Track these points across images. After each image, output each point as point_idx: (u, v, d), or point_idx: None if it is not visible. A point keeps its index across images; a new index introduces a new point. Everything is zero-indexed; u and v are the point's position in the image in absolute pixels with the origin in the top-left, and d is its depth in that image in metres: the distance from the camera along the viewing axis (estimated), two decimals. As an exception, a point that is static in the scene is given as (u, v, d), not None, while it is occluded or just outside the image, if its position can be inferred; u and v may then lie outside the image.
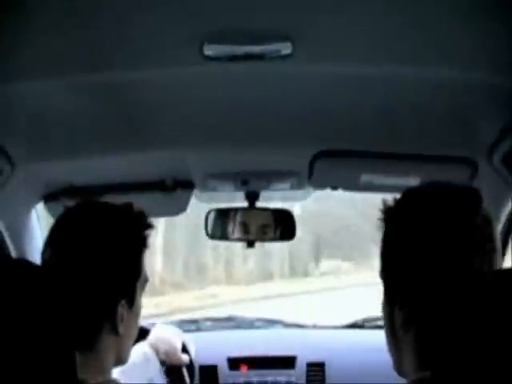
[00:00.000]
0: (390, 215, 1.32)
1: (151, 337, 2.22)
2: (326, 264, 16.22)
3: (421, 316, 1.25)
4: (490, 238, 1.26)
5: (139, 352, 2.07)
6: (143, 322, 1.99)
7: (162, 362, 2.28)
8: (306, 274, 16.04)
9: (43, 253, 1.47)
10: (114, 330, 1.44)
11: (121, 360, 1.52)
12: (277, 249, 14.29)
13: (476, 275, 1.20)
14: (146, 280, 1.53)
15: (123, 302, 1.45)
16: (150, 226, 1.52)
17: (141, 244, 1.50)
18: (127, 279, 1.47)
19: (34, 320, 1.06)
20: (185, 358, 2.34)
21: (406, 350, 1.29)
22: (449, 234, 1.24)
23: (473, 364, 0.95)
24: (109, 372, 1.48)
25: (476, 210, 1.27)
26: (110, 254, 1.43)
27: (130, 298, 1.47)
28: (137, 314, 1.53)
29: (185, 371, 2.47)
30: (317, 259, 16.12)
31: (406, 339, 1.28)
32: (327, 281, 15.06)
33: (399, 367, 1.33)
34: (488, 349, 0.94)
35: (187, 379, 2.46)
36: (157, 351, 2.22)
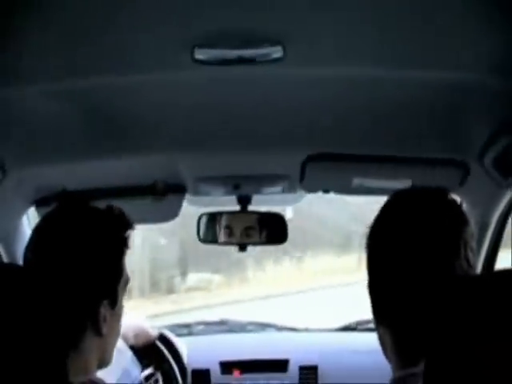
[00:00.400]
0: (372, 226, 1.37)
1: None
2: (193, 277, 14.14)
3: (396, 315, 1.29)
4: (460, 235, 1.29)
5: None
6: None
7: (134, 348, 2.34)
8: (170, 289, 13.86)
9: (24, 255, 1.47)
10: (97, 331, 1.44)
11: (104, 361, 1.52)
12: (135, 260, 12.28)
13: (444, 274, 1.25)
14: (127, 281, 1.53)
15: (105, 302, 1.45)
16: (130, 227, 1.52)
17: (122, 245, 1.50)
18: (109, 280, 1.47)
19: (22, 322, 1.05)
20: (153, 331, 2.42)
21: (388, 348, 1.33)
22: (421, 236, 1.28)
23: (453, 361, 0.96)
24: (93, 373, 1.47)
25: (447, 211, 1.32)
26: (92, 255, 1.43)
27: (112, 298, 1.47)
28: (119, 315, 1.52)
29: (159, 344, 2.54)
30: (183, 272, 14.14)
31: (386, 337, 1.33)
32: (195, 298, 13.21)
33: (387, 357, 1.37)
34: (465, 343, 0.95)
35: (164, 350, 2.54)
36: (126, 339, 2.26)
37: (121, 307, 1.52)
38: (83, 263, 1.42)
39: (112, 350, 1.54)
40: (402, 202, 1.36)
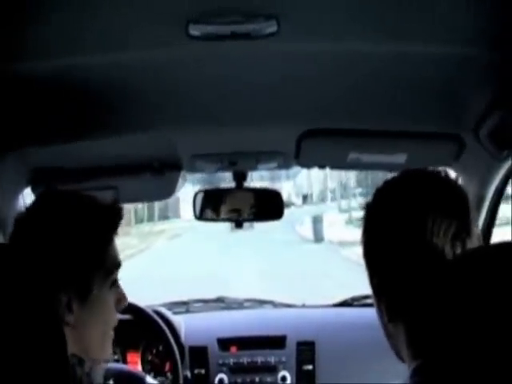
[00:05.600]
0: (369, 212, 1.34)
1: None
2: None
3: (407, 307, 1.24)
4: (465, 219, 1.25)
5: None
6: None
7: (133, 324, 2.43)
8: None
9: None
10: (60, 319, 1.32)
11: (93, 356, 1.43)
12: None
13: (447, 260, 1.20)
14: (110, 271, 1.44)
15: (69, 289, 1.37)
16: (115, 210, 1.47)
17: (97, 231, 1.42)
18: (74, 267, 1.38)
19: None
20: None
21: (400, 340, 1.28)
22: (424, 220, 1.23)
23: (460, 351, 0.96)
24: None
25: (448, 193, 1.27)
26: (50, 239, 1.37)
27: (80, 288, 1.38)
28: (98, 309, 1.42)
29: (159, 321, 2.60)
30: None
31: (398, 330, 1.27)
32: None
33: (397, 353, 1.33)
34: (472, 335, 0.95)
35: (163, 327, 2.58)
36: None
37: (100, 300, 1.42)
38: (44, 247, 1.36)
39: (97, 345, 1.44)
40: (400, 186, 1.32)
